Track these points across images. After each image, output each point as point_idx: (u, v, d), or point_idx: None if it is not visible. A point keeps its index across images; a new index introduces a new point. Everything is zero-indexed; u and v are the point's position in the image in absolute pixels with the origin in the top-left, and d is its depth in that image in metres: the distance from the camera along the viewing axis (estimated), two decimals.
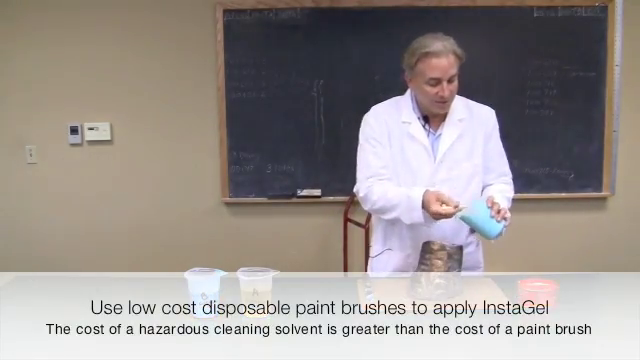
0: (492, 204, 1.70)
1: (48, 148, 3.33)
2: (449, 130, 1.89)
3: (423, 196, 1.75)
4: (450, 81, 1.80)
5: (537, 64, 3.20)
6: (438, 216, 1.73)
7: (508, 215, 1.71)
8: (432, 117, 1.90)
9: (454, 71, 1.80)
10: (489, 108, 1.98)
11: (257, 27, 3.19)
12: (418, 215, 1.77)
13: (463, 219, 1.72)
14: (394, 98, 1.98)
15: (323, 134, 3.26)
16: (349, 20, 3.17)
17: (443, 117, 1.90)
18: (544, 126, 3.24)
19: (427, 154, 1.89)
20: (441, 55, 1.77)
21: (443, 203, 1.71)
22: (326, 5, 3.17)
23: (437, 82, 1.79)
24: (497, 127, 1.97)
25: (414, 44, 1.82)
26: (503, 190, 1.93)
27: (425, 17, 3.14)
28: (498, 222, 1.69)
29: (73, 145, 3.32)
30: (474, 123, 1.92)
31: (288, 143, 3.27)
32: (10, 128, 3.32)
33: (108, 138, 3.32)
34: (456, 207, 1.70)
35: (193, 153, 3.34)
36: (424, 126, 1.91)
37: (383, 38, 3.15)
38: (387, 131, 1.91)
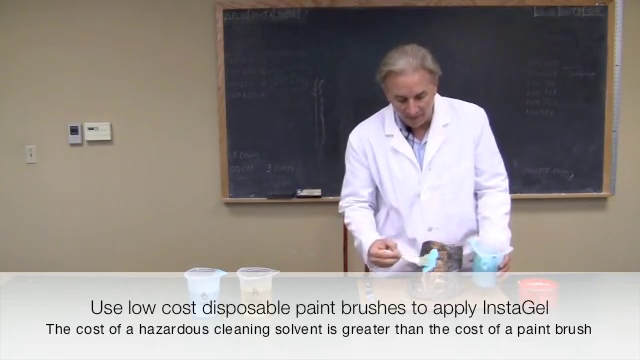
0: (504, 266, 1.71)
1: (48, 148, 3.33)
2: (434, 137, 1.88)
3: (371, 245, 1.84)
4: (419, 97, 1.78)
5: (537, 64, 3.19)
6: (374, 258, 1.79)
7: (502, 278, 1.73)
8: (414, 126, 1.90)
9: (421, 88, 1.77)
10: (477, 107, 1.95)
11: (257, 27, 3.19)
12: (364, 259, 1.92)
13: (475, 256, 1.72)
14: (381, 110, 1.99)
15: (323, 134, 3.26)
16: (349, 20, 3.17)
17: (427, 124, 1.89)
18: (544, 126, 3.24)
19: (412, 164, 1.89)
20: (405, 73, 1.74)
21: (388, 248, 1.77)
22: (326, 5, 3.17)
23: (404, 99, 1.79)
24: (487, 126, 1.94)
25: (384, 58, 1.81)
26: (501, 203, 1.93)
27: (425, 17, 3.14)
28: (493, 279, 1.71)
29: (73, 145, 3.32)
30: (461, 126, 1.90)
31: (288, 143, 3.27)
32: (10, 128, 3.31)
33: (108, 138, 3.32)
34: (396, 254, 1.75)
35: (193, 153, 3.34)
36: (407, 137, 1.91)
37: (383, 38, 3.15)
38: (370, 149, 1.96)
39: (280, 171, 3.29)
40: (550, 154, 3.26)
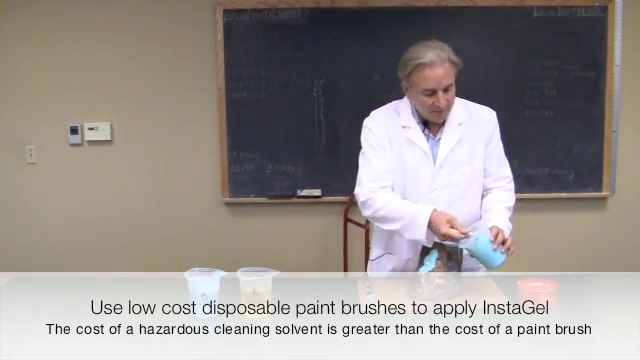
0: (496, 235, 1.67)
1: (48, 148, 3.33)
2: (448, 135, 1.87)
3: (431, 215, 1.72)
4: (446, 90, 1.77)
5: (537, 64, 3.20)
6: (448, 238, 1.69)
7: (512, 248, 1.68)
8: (431, 122, 1.90)
9: (449, 80, 1.77)
10: (490, 110, 1.95)
11: (257, 27, 3.19)
12: (421, 232, 1.74)
13: (467, 250, 1.69)
14: (393, 102, 1.97)
15: (323, 134, 3.26)
16: (349, 20, 3.17)
17: (442, 121, 1.89)
18: (544, 126, 3.24)
19: (427, 159, 1.87)
20: (435, 65, 1.73)
21: (452, 226, 1.69)
22: (326, 5, 3.17)
23: (432, 92, 1.77)
24: (497, 129, 1.94)
25: (407, 54, 1.79)
26: (504, 200, 1.92)
27: (425, 17, 3.14)
28: (502, 253, 1.66)
29: (73, 145, 3.32)
30: (474, 127, 1.90)
31: (288, 143, 3.27)
32: (10, 128, 3.32)
33: (108, 138, 3.32)
34: (465, 234, 1.67)
35: (193, 153, 3.34)
36: (423, 131, 1.90)
37: (383, 38, 3.15)
38: (387, 135, 1.90)
39: (280, 171, 3.29)
40: (550, 154, 3.26)
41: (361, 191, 1.87)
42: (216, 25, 3.20)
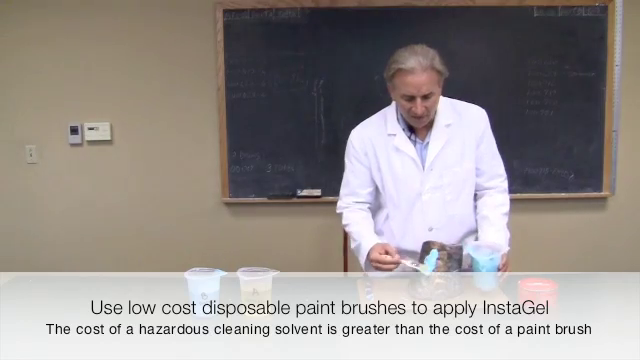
0: (503, 265, 1.71)
1: (48, 148, 3.33)
2: (436, 137, 1.89)
3: (370, 249, 1.84)
4: (426, 97, 1.77)
5: (537, 64, 3.19)
6: (375, 263, 1.79)
7: (504, 277, 1.73)
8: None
9: (429, 89, 1.76)
10: (479, 108, 1.96)
11: (257, 27, 3.19)
12: (362, 261, 1.92)
13: (473, 260, 1.72)
14: (382, 110, 1.99)
15: (323, 134, 3.25)
16: (349, 20, 3.17)
17: (430, 125, 1.89)
18: (544, 126, 3.24)
19: (414, 164, 1.89)
20: (415, 72, 1.74)
21: (387, 253, 1.77)
22: (326, 5, 3.17)
23: (411, 98, 1.78)
24: (489, 127, 1.95)
25: (393, 56, 1.81)
26: (500, 204, 1.93)
27: (425, 17, 3.14)
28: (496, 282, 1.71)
29: (73, 145, 3.32)
30: (463, 126, 1.90)
31: (288, 143, 3.27)
32: (10, 128, 3.32)
33: (108, 138, 3.32)
34: (397, 260, 1.75)
35: (193, 153, 3.34)
36: (410, 137, 1.91)
37: (383, 38, 3.15)
38: (371, 147, 1.95)
39: (280, 171, 3.29)
40: (550, 154, 3.26)
41: (338, 204, 2.10)
42: (216, 25, 3.20)
